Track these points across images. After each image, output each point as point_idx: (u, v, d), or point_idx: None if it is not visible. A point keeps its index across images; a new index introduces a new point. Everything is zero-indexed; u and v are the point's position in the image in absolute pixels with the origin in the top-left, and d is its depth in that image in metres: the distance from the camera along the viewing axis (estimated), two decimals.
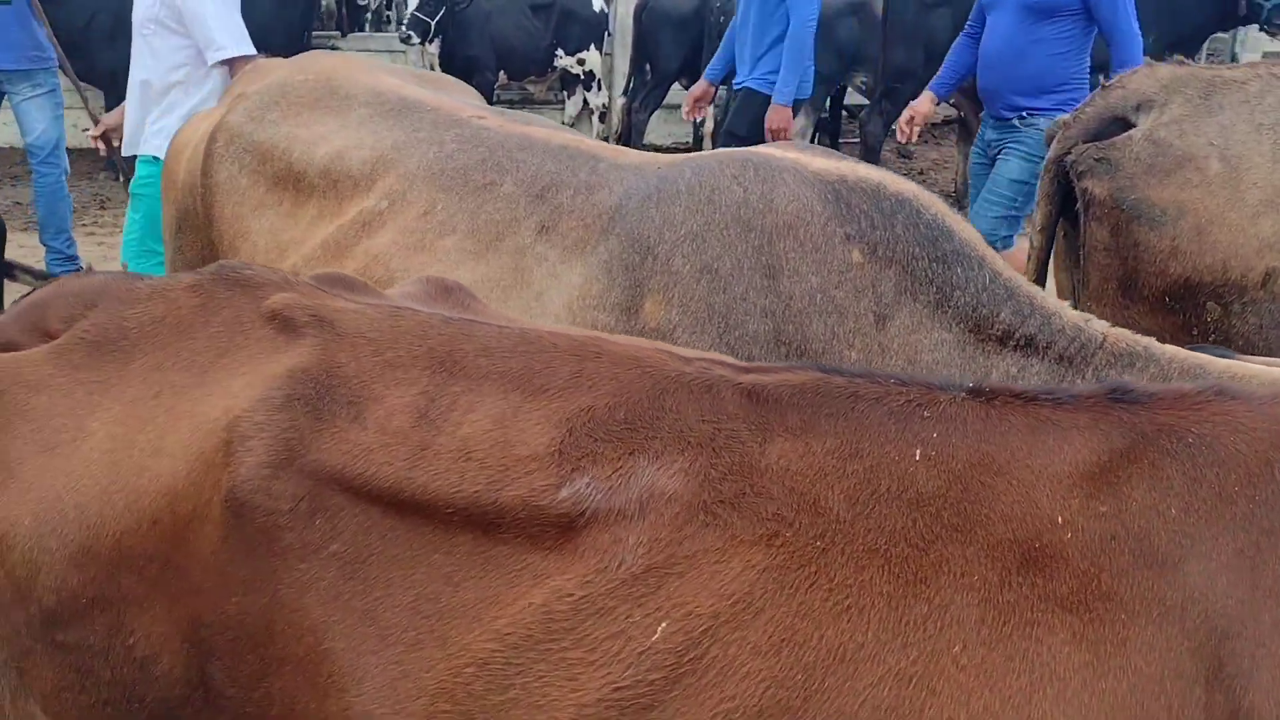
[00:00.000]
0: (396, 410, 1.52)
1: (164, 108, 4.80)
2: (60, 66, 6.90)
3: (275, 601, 1.48)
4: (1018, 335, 2.38)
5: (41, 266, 6.47)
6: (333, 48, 10.71)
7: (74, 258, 7.04)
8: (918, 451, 1.46)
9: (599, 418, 1.51)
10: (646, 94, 10.90)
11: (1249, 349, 3.22)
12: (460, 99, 3.35)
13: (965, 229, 2.47)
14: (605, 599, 1.39)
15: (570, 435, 1.50)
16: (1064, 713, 1.32)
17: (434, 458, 1.48)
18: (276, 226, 3.09)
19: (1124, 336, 2.36)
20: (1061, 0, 4.99)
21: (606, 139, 11.04)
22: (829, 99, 10.79)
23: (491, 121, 2.95)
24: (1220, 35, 9.92)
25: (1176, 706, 1.33)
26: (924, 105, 5.56)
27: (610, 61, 11.58)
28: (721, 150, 2.71)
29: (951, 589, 1.37)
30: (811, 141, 9.74)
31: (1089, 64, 5.22)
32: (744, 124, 6.39)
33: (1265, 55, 10.25)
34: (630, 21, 10.95)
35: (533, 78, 11.61)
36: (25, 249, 7.11)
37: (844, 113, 11.82)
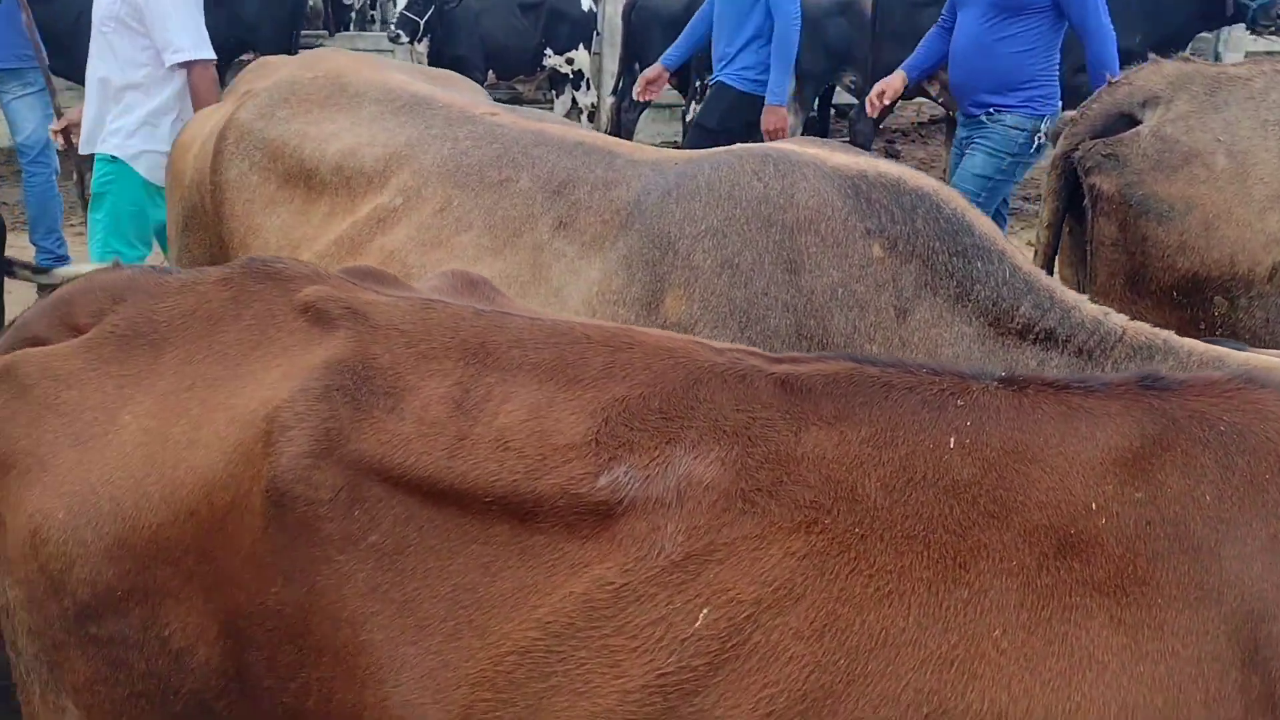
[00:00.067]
0: (432, 401, 1.53)
1: (122, 108, 4.75)
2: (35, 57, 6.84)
3: (313, 592, 1.48)
4: (1038, 329, 2.39)
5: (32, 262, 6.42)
6: (320, 46, 10.69)
7: (64, 257, 6.97)
8: (952, 439, 1.47)
9: (633, 407, 1.52)
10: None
11: (1255, 343, 3.24)
12: (469, 96, 3.36)
13: (985, 223, 2.48)
14: (646, 586, 1.40)
15: (606, 425, 1.50)
16: (1103, 696, 1.33)
17: (472, 447, 1.48)
18: (288, 223, 3.08)
19: (1143, 329, 2.37)
20: None
21: None
22: (818, 98, 10.80)
23: (505, 118, 2.96)
24: (1204, 34, 9.94)
25: (1214, 689, 1.34)
26: (895, 81, 5.55)
27: (599, 61, 11.56)
28: (739, 146, 2.72)
29: (990, 574, 1.38)
30: None
31: (1058, 61, 5.23)
32: (714, 117, 6.40)
33: (1248, 55, 10.28)
34: (619, 21, 10.93)
35: (521, 77, 11.59)
36: (15, 249, 7.05)
37: (832, 112, 11.85)
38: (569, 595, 1.41)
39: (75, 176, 6.05)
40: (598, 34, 11.61)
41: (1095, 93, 3.90)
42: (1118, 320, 2.40)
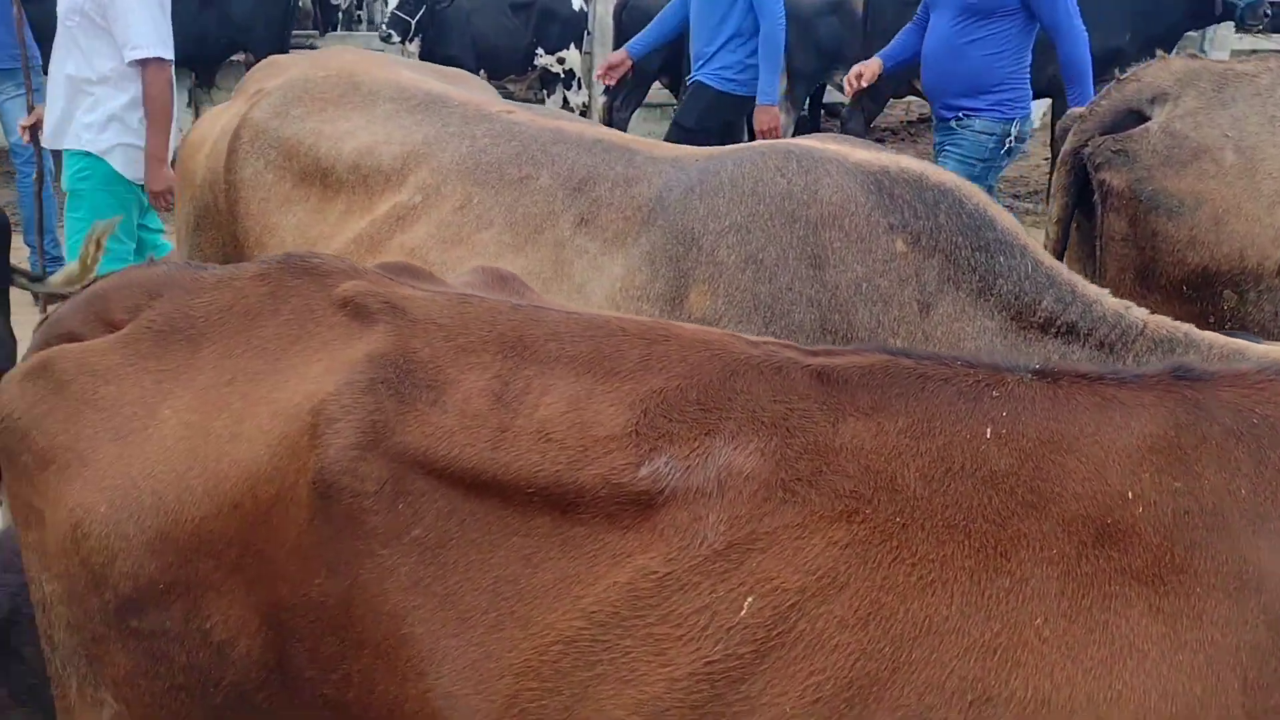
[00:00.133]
0: (473, 394, 1.54)
1: (91, 102, 4.74)
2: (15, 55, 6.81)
3: (356, 585, 1.49)
4: (1060, 322, 2.41)
5: (26, 266, 6.40)
6: (311, 46, 10.67)
7: (58, 258, 6.96)
8: (988, 430, 1.48)
9: (671, 399, 1.53)
10: (627, 93, 10.88)
11: (1265, 336, 3.27)
12: (482, 94, 3.37)
13: (1006, 218, 2.50)
14: (689, 575, 1.41)
15: (645, 416, 1.52)
16: (1143, 684, 1.35)
17: (514, 439, 1.50)
18: (304, 222, 3.09)
19: (1164, 323, 2.39)
20: (999, 1, 5.02)
21: None
22: (809, 97, 10.82)
23: (521, 116, 2.97)
24: (1189, 33, 9.98)
25: (1251, 678, 1.35)
26: (873, 65, 5.55)
27: (590, 60, 11.56)
28: (761, 143, 2.73)
29: (1030, 563, 1.39)
30: None
31: (1029, 64, 5.24)
32: (692, 116, 6.42)
33: (1233, 53, 10.30)
34: (610, 20, 10.93)
35: (513, 77, 11.60)
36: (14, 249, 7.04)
37: (823, 111, 11.87)
38: (613, 585, 1.42)
39: (37, 175, 6.02)
40: (589, 33, 11.62)
41: (1103, 89, 3.93)
42: (1139, 314, 2.42)
